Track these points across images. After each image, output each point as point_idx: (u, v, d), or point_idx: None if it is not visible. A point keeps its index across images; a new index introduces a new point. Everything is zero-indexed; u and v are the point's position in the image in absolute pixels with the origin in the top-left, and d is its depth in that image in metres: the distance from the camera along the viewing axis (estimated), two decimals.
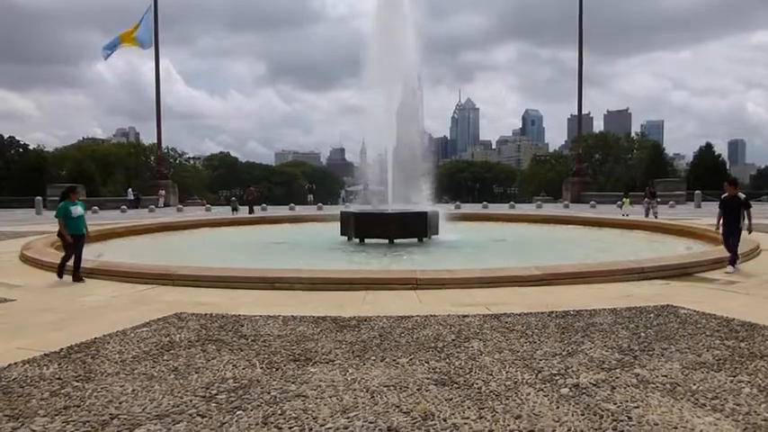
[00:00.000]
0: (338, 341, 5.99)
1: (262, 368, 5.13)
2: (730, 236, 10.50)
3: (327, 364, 5.23)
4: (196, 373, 5.02)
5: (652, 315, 7.10)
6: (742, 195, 10.63)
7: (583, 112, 56.29)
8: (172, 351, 5.68)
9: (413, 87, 22.65)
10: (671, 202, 40.58)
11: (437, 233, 17.47)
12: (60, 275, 10.18)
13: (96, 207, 40.50)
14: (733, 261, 10.45)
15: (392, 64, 19.93)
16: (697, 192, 42.00)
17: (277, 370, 5.07)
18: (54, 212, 11.04)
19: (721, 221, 10.77)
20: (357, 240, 16.78)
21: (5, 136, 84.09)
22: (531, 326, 6.56)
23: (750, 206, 10.64)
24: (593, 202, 42.13)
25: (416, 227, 16.80)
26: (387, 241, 16.28)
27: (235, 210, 35.52)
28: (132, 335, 6.33)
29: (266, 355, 5.50)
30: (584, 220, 23.68)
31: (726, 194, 10.71)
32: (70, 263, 10.28)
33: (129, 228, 20.35)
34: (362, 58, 20.94)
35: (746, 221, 10.66)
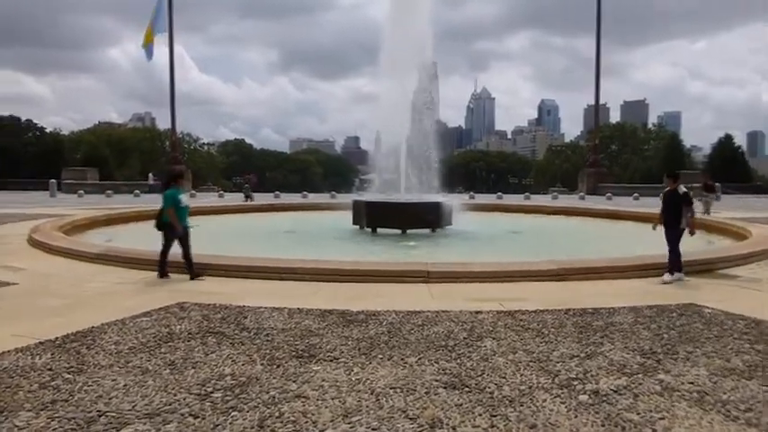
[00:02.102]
0: (344, 337, 5.72)
1: (262, 364, 4.87)
2: (668, 237, 9.08)
3: (331, 361, 4.96)
4: (193, 368, 4.78)
5: (675, 314, 6.76)
6: (683, 189, 9.16)
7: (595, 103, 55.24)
8: (170, 343, 5.45)
9: (428, 76, 22.37)
10: None
11: (450, 224, 17.13)
12: (162, 274, 8.93)
13: (110, 191, 40.59)
14: (677, 268, 8.88)
15: (407, 52, 19.61)
16: (717, 184, 41.15)
17: (278, 367, 4.81)
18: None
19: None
20: (369, 230, 16.51)
21: (23, 119, 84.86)
22: (547, 324, 6.24)
23: (690, 203, 9.12)
24: (609, 194, 41.49)
25: (430, 217, 16.48)
26: (399, 231, 16.01)
27: (247, 197, 35.11)
28: (131, 324, 6.11)
29: (268, 350, 5.25)
30: (600, 213, 23.24)
31: (667, 188, 9.38)
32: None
33: (140, 212, 20.19)
34: (377, 47, 20.65)
35: (684, 220, 9.04)
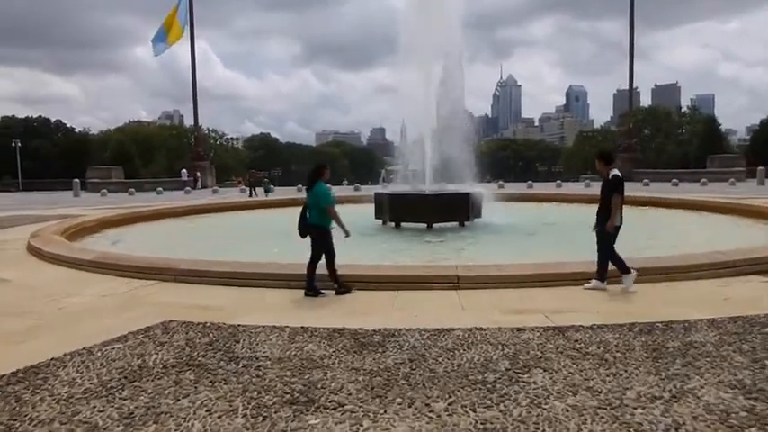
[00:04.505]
0: (354, 369, 4.55)
1: (244, 416, 3.73)
2: (598, 234, 7.34)
3: (335, 410, 3.79)
4: (155, 422, 3.66)
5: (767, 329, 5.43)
6: (614, 174, 7.20)
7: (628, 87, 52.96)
8: (137, 383, 4.34)
9: (453, 64, 21.50)
10: (731, 180, 37.80)
11: (480, 216, 15.87)
12: (314, 292, 7.27)
13: (133, 189, 40.18)
14: (600, 275, 7.26)
15: (431, 41, 18.62)
16: (760, 168, 38.95)
17: (264, 419, 3.67)
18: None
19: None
20: (393, 225, 15.34)
21: (53, 119, 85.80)
22: (611, 347, 4.99)
23: (617, 192, 7.13)
24: (646, 180, 39.57)
25: (457, 209, 15.24)
26: (425, 226, 14.80)
27: (267, 191, 34.24)
28: (99, 354, 5.04)
29: (255, 393, 4.10)
30: (641, 200, 21.65)
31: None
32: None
33: (154, 211, 19.40)
34: (400, 36, 19.67)
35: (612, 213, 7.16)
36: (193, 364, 4.73)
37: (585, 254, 7.79)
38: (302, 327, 5.72)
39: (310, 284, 7.30)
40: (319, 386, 4.20)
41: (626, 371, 4.41)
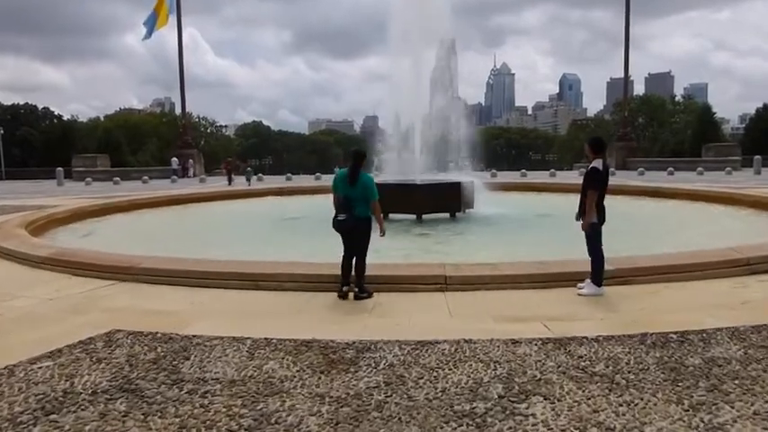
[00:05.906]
0: (319, 396, 3.82)
1: None
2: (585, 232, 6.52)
3: None
4: None
5: None
6: (592, 166, 6.43)
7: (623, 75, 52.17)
8: (54, 415, 3.60)
9: (446, 52, 20.98)
10: (727, 169, 37.18)
11: (472, 207, 15.18)
12: (345, 293, 6.53)
13: (117, 178, 39.15)
14: (595, 278, 6.38)
15: (423, 28, 18.12)
16: (756, 157, 38.40)
17: None
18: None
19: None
20: None
21: (40, 107, 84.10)
22: (621, 365, 4.27)
23: (591, 187, 6.37)
24: (641, 169, 38.86)
25: (449, 200, 14.53)
26: (414, 217, 14.08)
27: (249, 180, 33.57)
28: (22, 375, 4.28)
29: (194, 431, 3.37)
30: (638, 190, 21.00)
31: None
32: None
33: (132, 201, 18.56)
34: (392, 23, 19.12)
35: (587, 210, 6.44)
36: (128, 389, 3.99)
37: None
38: (266, 338, 4.98)
39: (347, 284, 6.56)
40: (273, 420, 3.47)
41: (642, 398, 3.70)
